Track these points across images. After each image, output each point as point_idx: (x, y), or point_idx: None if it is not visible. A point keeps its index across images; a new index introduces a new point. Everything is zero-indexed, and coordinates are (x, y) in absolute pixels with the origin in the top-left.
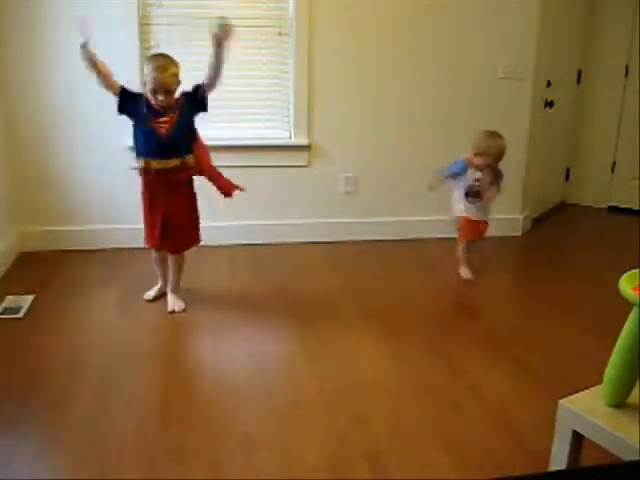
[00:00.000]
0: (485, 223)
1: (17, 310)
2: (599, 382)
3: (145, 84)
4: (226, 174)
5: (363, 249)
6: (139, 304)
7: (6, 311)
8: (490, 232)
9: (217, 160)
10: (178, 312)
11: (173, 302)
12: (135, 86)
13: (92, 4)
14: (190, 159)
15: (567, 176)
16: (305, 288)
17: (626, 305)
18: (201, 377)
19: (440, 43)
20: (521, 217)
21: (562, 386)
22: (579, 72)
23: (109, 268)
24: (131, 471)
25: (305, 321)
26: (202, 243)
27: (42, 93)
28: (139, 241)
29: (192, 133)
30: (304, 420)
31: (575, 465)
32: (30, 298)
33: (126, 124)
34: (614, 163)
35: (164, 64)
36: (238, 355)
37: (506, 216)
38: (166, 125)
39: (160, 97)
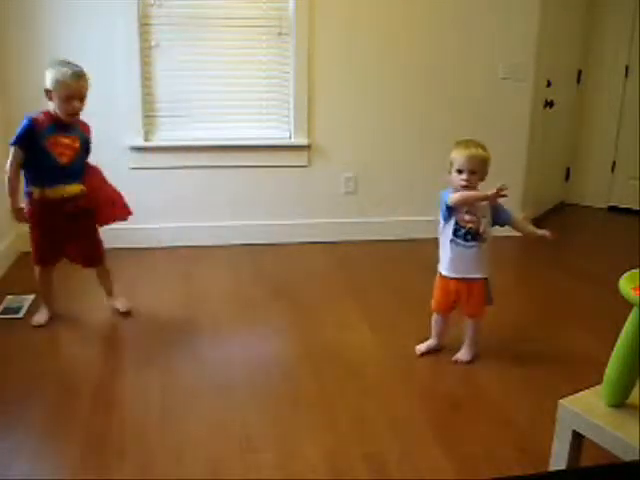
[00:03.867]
0: (471, 282)
1: (17, 310)
2: (599, 382)
3: (49, 92)
4: (226, 174)
5: (363, 249)
6: (138, 304)
7: (6, 311)
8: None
9: (217, 160)
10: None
11: (121, 303)
12: (134, 87)
13: (92, 4)
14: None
15: (567, 176)
16: (305, 288)
17: (626, 305)
18: (201, 377)
19: (440, 43)
20: (521, 217)
21: (562, 386)
22: (579, 72)
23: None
24: (131, 471)
25: (305, 321)
26: (202, 243)
27: (42, 93)
28: (139, 241)
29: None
30: (304, 420)
31: (575, 465)
32: (30, 298)
33: (126, 124)
34: (614, 163)
35: (79, 71)
36: (238, 355)
37: None
38: (68, 151)
39: (77, 104)
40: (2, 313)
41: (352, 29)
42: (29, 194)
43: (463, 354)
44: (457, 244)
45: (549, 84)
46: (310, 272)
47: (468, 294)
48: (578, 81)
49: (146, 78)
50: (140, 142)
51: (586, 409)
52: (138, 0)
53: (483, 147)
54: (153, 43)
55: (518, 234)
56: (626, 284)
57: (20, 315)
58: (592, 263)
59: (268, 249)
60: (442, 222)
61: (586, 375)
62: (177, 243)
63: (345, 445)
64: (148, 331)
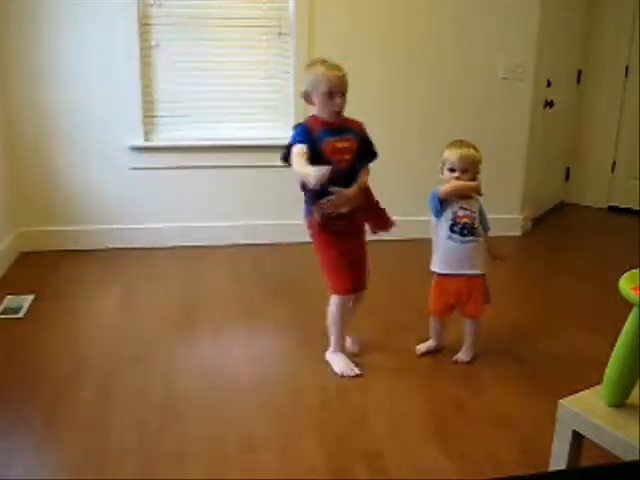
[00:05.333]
0: (471, 279)
1: (17, 310)
2: (599, 382)
3: (307, 93)
4: (226, 174)
5: None
6: (139, 304)
7: (6, 311)
8: (490, 232)
9: (217, 160)
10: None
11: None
12: (134, 87)
13: (92, 4)
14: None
15: (567, 176)
16: (305, 288)
17: (626, 305)
18: (201, 377)
19: (440, 43)
20: (521, 217)
21: (562, 386)
22: (579, 72)
23: (109, 268)
24: (131, 471)
25: (305, 321)
26: (202, 243)
27: (42, 93)
28: (139, 241)
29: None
30: (304, 420)
31: (575, 465)
32: (30, 298)
33: (126, 124)
34: (614, 163)
35: (336, 64)
36: (238, 355)
37: (506, 216)
38: (347, 156)
39: (339, 100)
40: (2, 313)
41: (352, 29)
42: (310, 212)
43: (463, 354)
44: (454, 240)
45: (549, 84)
46: (310, 272)
47: (469, 292)
48: (578, 81)
49: (146, 78)
50: (140, 142)
51: (586, 409)
52: (138, 0)
53: (475, 147)
54: (153, 43)
55: (517, 234)
56: (626, 284)
57: (20, 315)
58: (592, 263)
59: (268, 249)
60: (435, 220)
61: (586, 375)
62: (177, 243)
63: (345, 445)
64: (148, 331)
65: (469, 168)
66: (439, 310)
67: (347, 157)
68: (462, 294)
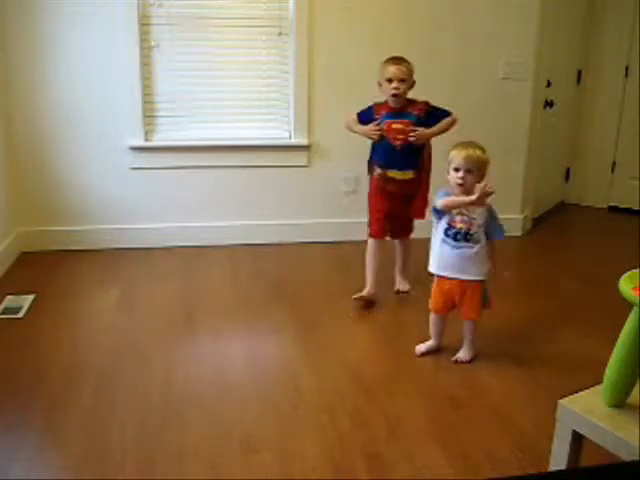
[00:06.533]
0: (464, 283)
1: (17, 310)
2: (599, 382)
3: (378, 82)
4: (226, 174)
5: (363, 249)
6: (139, 304)
7: (6, 311)
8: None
9: (217, 160)
10: (403, 291)
11: (400, 282)
12: (134, 87)
13: (92, 4)
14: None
15: (567, 176)
16: (305, 288)
17: (626, 305)
18: (201, 377)
19: (440, 43)
20: (521, 217)
21: (562, 386)
22: (579, 72)
23: (109, 268)
24: (131, 471)
25: (305, 321)
26: (202, 243)
27: (42, 93)
28: (139, 241)
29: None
30: (304, 420)
31: (575, 465)
32: (30, 298)
33: (126, 124)
34: (614, 163)
35: (399, 58)
36: (238, 355)
37: (506, 216)
38: (400, 135)
39: (394, 85)
40: (2, 313)
41: (352, 29)
42: (370, 167)
43: (463, 354)
44: (447, 244)
45: (549, 84)
46: (310, 272)
47: (461, 295)
48: (578, 81)
49: (146, 78)
50: (140, 142)
51: (586, 409)
52: (138, 0)
53: (482, 149)
54: (153, 43)
55: (517, 234)
56: (626, 284)
57: (20, 315)
58: (592, 263)
59: (268, 249)
60: (435, 221)
61: (586, 375)
62: (177, 243)
63: (345, 445)
64: (148, 331)
65: (473, 169)
66: (439, 308)
67: (401, 137)
68: (455, 296)
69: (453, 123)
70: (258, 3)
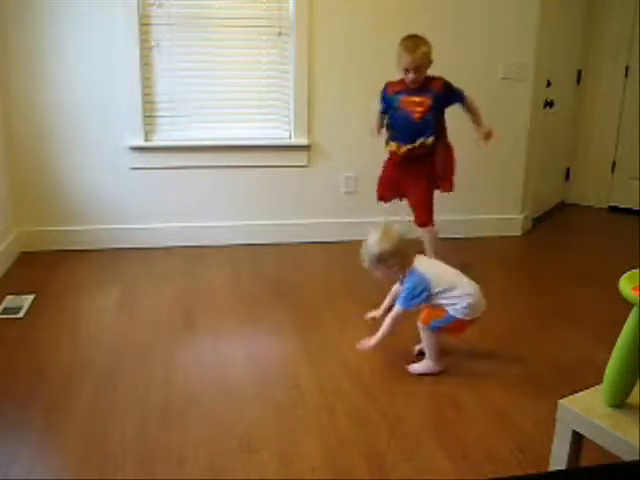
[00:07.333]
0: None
1: (17, 310)
2: (599, 382)
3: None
4: (226, 174)
5: None
6: (139, 304)
7: (6, 311)
8: (490, 232)
9: (217, 160)
10: None
11: None
12: (134, 87)
13: (92, 4)
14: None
15: (567, 176)
16: (305, 288)
17: (626, 305)
18: (201, 377)
19: (440, 43)
20: (521, 217)
21: (562, 386)
22: (579, 72)
23: (109, 268)
24: (131, 471)
25: (305, 321)
26: (202, 243)
27: (42, 93)
28: (139, 241)
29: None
30: (304, 420)
31: (575, 465)
32: (30, 298)
33: (126, 124)
34: (614, 163)
35: (413, 44)
36: (238, 355)
37: (506, 216)
38: (419, 108)
39: (410, 75)
40: (2, 313)
41: (352, 29)
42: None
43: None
44: None
45: (549, 84)
46: (310, 272)
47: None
48: (578, 81)
49: (146, 78)
50: (140, 142)
51: (586, 409)
52: (138, 0)
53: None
54: (153, 43)
55: (517, 234)
56: (626, 284)
57: (20, 315)
58: (592, 263)
59: (268, 249)
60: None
61: (586, 375)
62: (177, 243)
63: (345, 445)
64: (148, 331)
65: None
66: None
67: (419, 109)
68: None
69: (474, 103)
70: (258, 3)
